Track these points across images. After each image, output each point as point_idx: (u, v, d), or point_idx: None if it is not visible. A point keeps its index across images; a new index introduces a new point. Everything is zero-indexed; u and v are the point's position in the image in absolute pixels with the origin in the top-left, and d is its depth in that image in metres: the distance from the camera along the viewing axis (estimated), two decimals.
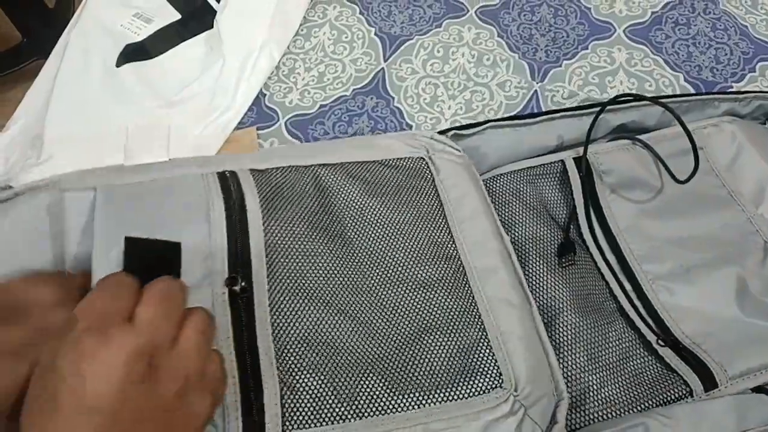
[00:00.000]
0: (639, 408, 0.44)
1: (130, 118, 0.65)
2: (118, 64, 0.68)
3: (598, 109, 0.56)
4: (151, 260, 0.31)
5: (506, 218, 0.54)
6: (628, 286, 0.51)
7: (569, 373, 0.45)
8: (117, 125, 0.65)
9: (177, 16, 0.73)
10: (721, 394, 0.44)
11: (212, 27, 0.70)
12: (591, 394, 0.45)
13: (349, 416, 0.35)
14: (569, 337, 0.47)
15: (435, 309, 0.40)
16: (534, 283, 0.50)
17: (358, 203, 0.43)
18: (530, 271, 0.50)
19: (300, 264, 0.39)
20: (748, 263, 0.51)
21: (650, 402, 0.45)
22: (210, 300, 0.35)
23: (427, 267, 0.42)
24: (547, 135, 0.58)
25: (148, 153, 0.61)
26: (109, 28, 0.72)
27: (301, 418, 0.34)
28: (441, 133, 0.54)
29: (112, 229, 0.36)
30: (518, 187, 0.55)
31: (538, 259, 0.50)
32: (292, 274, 0.38)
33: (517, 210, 0.54)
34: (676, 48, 0.72)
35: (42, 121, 0.64)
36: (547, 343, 0.42)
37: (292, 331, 0.37)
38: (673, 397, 0.45)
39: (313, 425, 0.34)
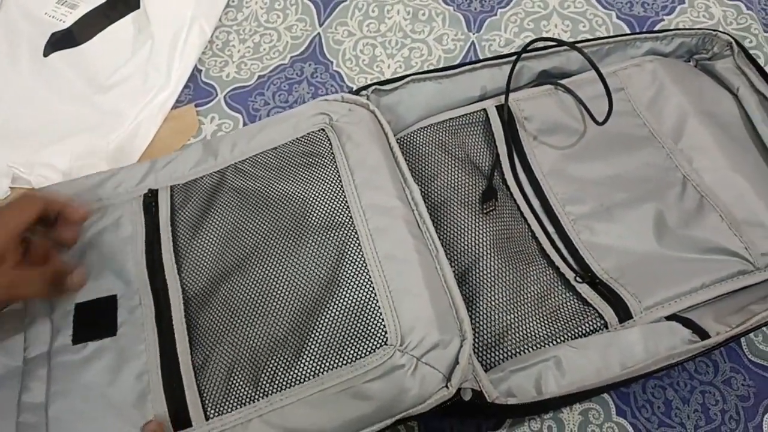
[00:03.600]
0: (556, 342, 0.46)
1: (64, 107, 0.64)
2: (46, 54, 0.67)
3: (509, 59, 0.56)
4: (97, 313, 0.43)
5: (429, 169, 0.54)
6: (550, 228, 0.52)
7: (489, 314, 0.47)
8: (52, 115, 0.64)
9: None
10: (636, 324, 0.46)
11: (138, 7, 0.68)
12: (510, 332, 0.46)
13: (256, 397, 0.38)
14: (490, 279, 0.48)
15: (324, 279, 0.42)
16: (456, 229, 0.51)
17: (259, 195, 0.47)
18: (452, 218, 0.51)
19: (207, 272, 0.45)
20: (667, 198, 0.52)
21: (567, 335, 0.46)
22: (141, 320, 0.42)
23: (318, 239, 0.44)
24: (471, 86, 0.58)
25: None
26: (34, 16, 0.70)
27: (218, 405, 0.38)
28: (362, 89, 0.54)
29: None
30: (441, 138, 0.56)
31: (460, 206, 0.51)
32: (202, 284, 0.44)
33: (441, 161, 0.54)
34: None
35: None
36: (454, 289, 0.42)
37: (203, 335, 0.42)
38: (588, 329, 0.46)
39: (228, 411, 0.38)
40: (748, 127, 0.56)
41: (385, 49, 0.69)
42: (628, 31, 0.69)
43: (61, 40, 0.68)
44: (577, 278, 0.49)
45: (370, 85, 0.55)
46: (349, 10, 0.72)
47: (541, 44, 0.56)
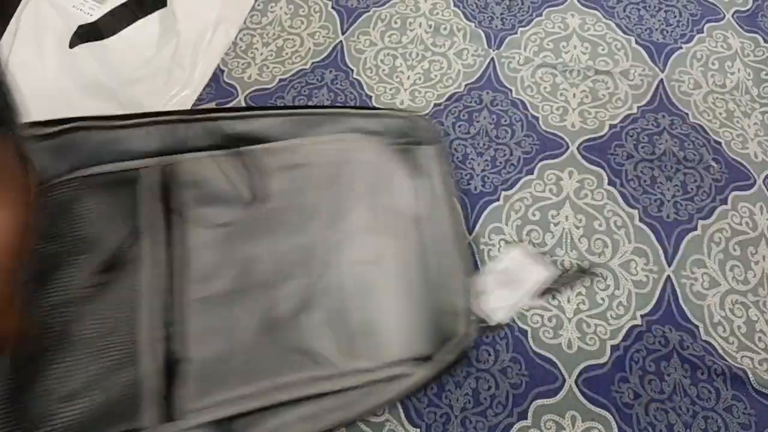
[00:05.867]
0: None
1: (87, 99, 0.65)
2: (72, 45, 0.67)
3: (201, 116, 0.54)
4: None
5: (61, 225, 0.49)
6: (160, 305, 0.48)
7: (46, 389, 0.43)
8: (75, 107, 0.64)
9: None
10: (184, 426, 0.43)
11: (165, 5, 0.69)
12: (59, 414, 0.42)
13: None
14: (52, 350, 0.44)
15: None
16: (55, 300, 0.46)
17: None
18: (55, 286, 0.46)
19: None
20: (285, 288, 0.50)
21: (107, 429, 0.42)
22: None
23: None
24: (146, 140, 0.53)
25: None
26: (62, 8, 0.70)
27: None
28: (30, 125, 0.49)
29: None
30: (80, 193, 0.51)
31: (70, 272, 0.47)
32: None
33: (76, 217, 0.49)
34: (627, 12, 0.73)
35: None
36: None
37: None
38: (123, 427, 0.43)
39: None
40: (420, 225, 0.54)
41: (406, 61, 0.70)
42: (647, 57, 0.70)
43: (87, 34, 0.69)
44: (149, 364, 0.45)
45: (35, 124, 0.50)
46: (372, 21, 0.73)
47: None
